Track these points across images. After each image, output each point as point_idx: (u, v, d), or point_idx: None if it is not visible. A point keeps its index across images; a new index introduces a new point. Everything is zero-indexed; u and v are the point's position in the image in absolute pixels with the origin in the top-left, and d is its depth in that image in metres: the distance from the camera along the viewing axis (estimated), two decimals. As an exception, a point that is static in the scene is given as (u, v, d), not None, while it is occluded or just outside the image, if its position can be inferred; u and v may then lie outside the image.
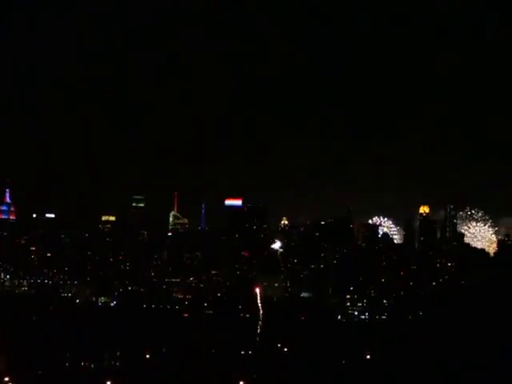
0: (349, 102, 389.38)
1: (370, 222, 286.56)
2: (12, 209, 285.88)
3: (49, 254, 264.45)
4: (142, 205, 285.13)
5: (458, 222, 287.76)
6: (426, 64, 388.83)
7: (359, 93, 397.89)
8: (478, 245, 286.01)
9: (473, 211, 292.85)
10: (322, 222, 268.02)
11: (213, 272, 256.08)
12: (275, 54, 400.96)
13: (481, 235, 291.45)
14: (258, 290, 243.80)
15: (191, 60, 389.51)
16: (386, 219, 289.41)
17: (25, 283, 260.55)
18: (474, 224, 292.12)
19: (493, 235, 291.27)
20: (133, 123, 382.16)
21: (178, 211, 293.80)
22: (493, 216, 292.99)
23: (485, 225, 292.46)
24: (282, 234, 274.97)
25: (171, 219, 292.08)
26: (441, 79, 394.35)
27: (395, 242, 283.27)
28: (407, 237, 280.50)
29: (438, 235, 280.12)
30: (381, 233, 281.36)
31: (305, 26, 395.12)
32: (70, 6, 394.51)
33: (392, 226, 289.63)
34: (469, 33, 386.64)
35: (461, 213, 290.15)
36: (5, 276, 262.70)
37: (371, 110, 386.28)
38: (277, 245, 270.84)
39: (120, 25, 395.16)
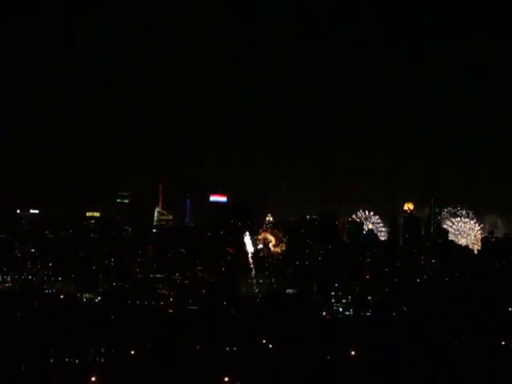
0: (343, 103, 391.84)
1: (355, 217, 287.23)
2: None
3: (33, 250, 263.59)
4: (126, 201, 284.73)
5: (443, 218, 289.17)
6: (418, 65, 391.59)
7: (350, 94, 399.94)
8: (463, 242, 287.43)
9: (457, 208, 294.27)
10: (308, 217, 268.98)
11: (198, 268, 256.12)
12: (273, 53, 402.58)
13: (465, 232, 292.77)
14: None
15: (190, 59, 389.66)
16: (372, 213, 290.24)
17: (9, 279, 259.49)
18: (459, 220, 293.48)
19: (477, 232, 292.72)
20: (119, 121, 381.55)
21: (162, 207, 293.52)
22: (477, 213, 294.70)
23: (469, 222, 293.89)
24: (267, 231, 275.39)
25: (156, 215, 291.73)
26: (436, 79, 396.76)
27: (380, 238, 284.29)
28: (392, 234, 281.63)
29: (423, 232, 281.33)
30: (366, 229, 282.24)
31: (304, 27, 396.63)
32: (70, 7, 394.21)
33: (379, 221, 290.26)
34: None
35: (445, 210, 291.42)
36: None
37: (362, 111, 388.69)
38: (261, 241, 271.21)
39: (120, 24, 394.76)
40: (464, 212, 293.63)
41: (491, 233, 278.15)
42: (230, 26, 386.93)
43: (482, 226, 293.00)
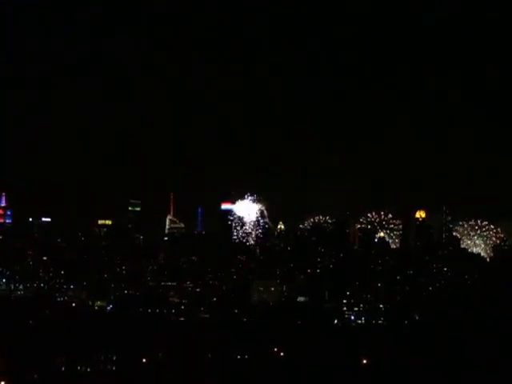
0: (346, 104, 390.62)
1: (365, 220, 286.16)
2: (8, 212, 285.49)
3: (45, 258, 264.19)
4: (138, 209, 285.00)
5: (455, 226, 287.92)
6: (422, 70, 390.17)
7: (357, 96, 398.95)
8: (475, 250, 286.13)
9: (471, 217, 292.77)
10: (319, 224, 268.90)
11: (209, 276, 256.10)
12: (274, 55, 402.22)
13: (478, 240, 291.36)
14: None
15: (190, 62, 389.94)
16: (390, 215, 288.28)
17: (21, 287, 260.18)
18: (472, 227, 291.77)
19: (490, 240, 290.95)
20: (129, 127, 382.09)
21: (174, 215, 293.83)
22: (491, 220, 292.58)
23: (482, 229, 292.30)
24: (279, 239, 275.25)
25: (167, 223, 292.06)
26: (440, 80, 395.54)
27: (392, 246, 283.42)
28: (403, 241, 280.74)
29: (435, 240, 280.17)
30: (377, 237, 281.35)
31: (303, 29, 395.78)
32: (69, 6, 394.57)
33: (400, 227, 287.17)
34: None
35: (460, 222, 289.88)
36: (1, 280, 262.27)
37: (369, 112, 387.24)
38: (273, 249, 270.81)
39: (119, 23, 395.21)
40: (477, 220, 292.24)
41: (504, 240, 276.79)
42: (229, 26, 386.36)
43: (496, 233, 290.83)
